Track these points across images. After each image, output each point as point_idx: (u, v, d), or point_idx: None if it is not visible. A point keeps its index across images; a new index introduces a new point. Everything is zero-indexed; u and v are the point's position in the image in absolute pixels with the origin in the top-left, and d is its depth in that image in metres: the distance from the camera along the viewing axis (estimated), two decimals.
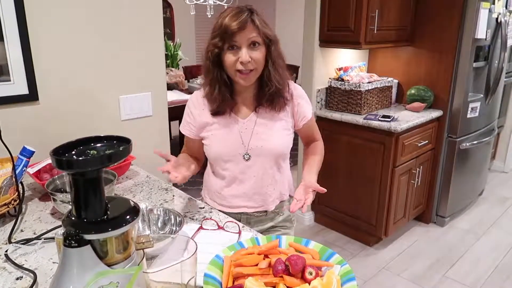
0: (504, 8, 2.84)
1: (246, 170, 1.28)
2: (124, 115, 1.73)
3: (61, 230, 0.68)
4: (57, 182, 1.26)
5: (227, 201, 1.33)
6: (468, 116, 2.87)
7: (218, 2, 3.92)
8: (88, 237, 0.65)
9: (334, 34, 2.63)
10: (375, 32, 2.50)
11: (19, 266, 0.93)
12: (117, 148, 0.72)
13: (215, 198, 1.36)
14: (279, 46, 1.22)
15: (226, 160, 1.28)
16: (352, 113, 2.70)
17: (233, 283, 0.81)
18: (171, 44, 4.40)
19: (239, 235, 1.09)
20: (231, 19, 1.13)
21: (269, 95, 1.22)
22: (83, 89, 1.58)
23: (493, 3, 2.70)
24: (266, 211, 1.35)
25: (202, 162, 1.44)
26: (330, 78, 2.82)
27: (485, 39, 2.73)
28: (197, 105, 1.31)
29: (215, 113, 1.27)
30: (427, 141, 2.78)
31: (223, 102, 1.24)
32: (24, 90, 1.44)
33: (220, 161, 1.29)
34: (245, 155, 1.26)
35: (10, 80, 1.41)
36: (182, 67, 4.91)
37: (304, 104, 1.32)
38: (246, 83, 1.20)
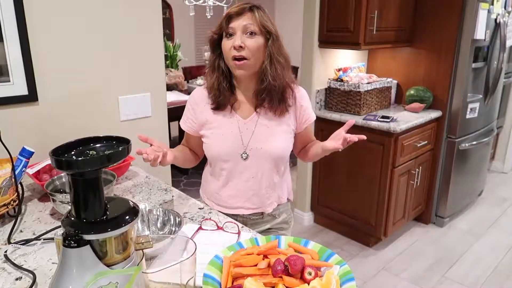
0: (503, 8, 2.84)
1: (244, 170, 1.28)
2: (124, 116, 1.73)
3: (60, 231, 0.68)
4: (56, 183, 1.26)
5: (224, 202, 1.34)
6: (467, 116, 2.88)
7: (218, 3, 3.91)
8: (87, 237, 0.65)
9: (333, 35, 2.64)
10: (374, 32, 2.50)
11: (19, 267, 0.93)
12: (116, 148, 0.72)
13: (213, 199, 1.37)
14: (281, 43, 1.22)
15: (225, 160, 1.28)
16: (352, 113, 2.70)
17: (233, 283, 0.81)
18: (171, 45, 4.40)
19: (238, 236, 1.09)
20: (233, 8, 1.18)
21: (267, 92, 1.21)
22: (82, 89, 1.58)
23: (492, 4, 2.70)
24: (262, 214, 1.35)
25: (201, 158, 1.44)
26: (329, 79, 2.83)
27: (484, 39, 2.73)
28: (199, 101, 1.31)
29: (216, 107, 1.27)
30: (426, 142, 2.79)
31: (220, 92, 1.24)
32: (23, 90, 1.44)
33: (219, 161, 1.30)
34: (243, 154, 1.27)
35: (9, 81, 1.41)
36: (182, 68, 4.91)
37: (307, 107, 1.32)
38: (241, 72, 1.20)
